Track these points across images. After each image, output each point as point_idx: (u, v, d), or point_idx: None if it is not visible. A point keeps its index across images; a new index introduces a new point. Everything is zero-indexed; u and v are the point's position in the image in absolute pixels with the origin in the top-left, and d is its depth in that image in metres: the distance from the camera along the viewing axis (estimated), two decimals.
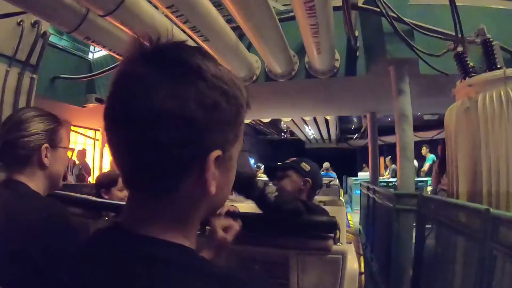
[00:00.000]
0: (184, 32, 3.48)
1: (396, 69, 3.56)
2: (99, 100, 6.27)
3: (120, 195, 2.32)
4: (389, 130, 10.20)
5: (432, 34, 3.46)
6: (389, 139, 11.41)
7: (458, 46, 3.21)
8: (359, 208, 7.37)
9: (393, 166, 9.61)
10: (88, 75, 6.00)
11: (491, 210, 1.76)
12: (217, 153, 0.45)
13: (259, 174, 10.08)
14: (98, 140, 9.52)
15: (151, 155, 0.43)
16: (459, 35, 3.07)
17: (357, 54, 4.03)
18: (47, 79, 5.81)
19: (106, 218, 1.96)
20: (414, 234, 3.16)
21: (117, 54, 3.82)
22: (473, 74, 2.99)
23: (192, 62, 0.44)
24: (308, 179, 1.77)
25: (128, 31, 3.32)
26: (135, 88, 0.43)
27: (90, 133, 9.59)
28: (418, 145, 9.88)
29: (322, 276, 1.36)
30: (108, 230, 0.49)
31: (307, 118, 9.78)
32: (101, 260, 0.44)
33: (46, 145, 1.00)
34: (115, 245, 0.45)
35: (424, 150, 6.23)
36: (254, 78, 4.27)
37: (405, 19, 3.44)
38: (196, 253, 0.47)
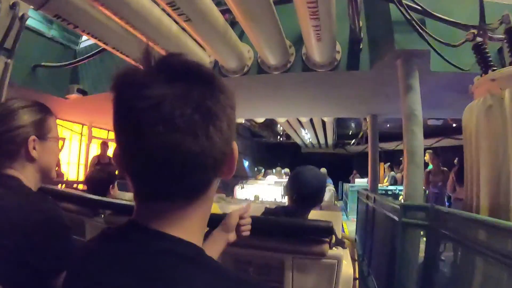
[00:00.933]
0: (164, 11, 3.06)
1: (404, 63, 3.15)
2: (81, 91, 5.96)
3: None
4: (387, 136, 9.86)
5: (448, 23, 3.04)
6: (386, 145, 11.07)
7: (477, 36, 2.81)
8: (355, 216, 6.95)
9: (392, 173, 9.27)
10: (69, 62, 5.60)
11: None
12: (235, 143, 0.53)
13: (259, 177, 9.86)
14: (84, 135, 9.13)
15: (203, 160, 0.47)
16: (482, 23, 2.66)
17: (361, 47, 3.60)
18: (28, 67, 5.52)
19: (103, 216, 1.99)
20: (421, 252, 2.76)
21: (91, 35, 3.39)
22: (495, 68, 2.60)
23: (214, 74, 0.51)
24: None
25: (101, 8, 2.92)
26: (177, 100, 0.45)
27: (76, 127, 9.17)
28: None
29: (317, 280, 1.36)
30: (130, 229, 0.50)
31: (303, 120, 9.33)
32: (127, 258, 0.46)
33: (33, 137, 0.97)
34: (142, 243, 0.47)
35: (427, 157, 5.79)
36: (245, 69, 3.81)
37: (416, 7, 3.03)
38: (206, 253, 0.49)
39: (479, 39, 2.84)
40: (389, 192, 7.83)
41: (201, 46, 3.90)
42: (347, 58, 3.61)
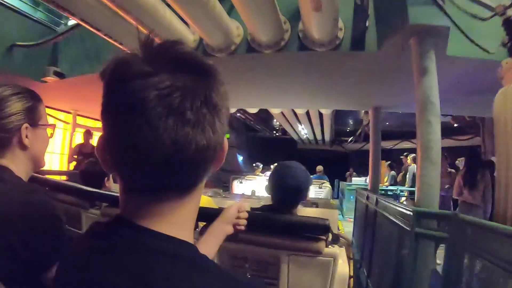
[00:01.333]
0: None
1: (419, 42, 2.66)
2: (58, 74, 5.54)
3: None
4: (386, 134, 9.41)
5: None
6: (385, 144, 10.63)
7: (509, 9, 2.34)
8: (352, 216, 6.49)
9: (393, 172, 8.84)
10: (43, 40, 5.12)
11: None
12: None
13: (257, 173, 9.49)
14: (69, 123, 8.62)
15: (208, 153, 0.45)
16: None
17: (367, 24, 3.10)
18: (4, 47, 5.14)
19: (99, 208, 1.96)
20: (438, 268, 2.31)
21: (55, 4, 2.87)
22: None
23: (215, 66, 0.48)
24: None
25: None
26: (186, 92, 0.43)
27: (61, 115, 8.67)
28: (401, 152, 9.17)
29: (312, 278, 1.37)
30: (118, 225, 0.48)
31: (299, 112, 8.81)
32: (118, 257, 0.43)
33: (26, 125, 0.95)
34: (133, 241, 0.45)
35: None
36: (233, 48, 3.30)
37: None
38: (199, 251, 0.47)
39: (511, 12, 2.37)
40: (389, 193, 7.36)
41: (183, 21, 3.40)
42: (351, 36, 3.10)
